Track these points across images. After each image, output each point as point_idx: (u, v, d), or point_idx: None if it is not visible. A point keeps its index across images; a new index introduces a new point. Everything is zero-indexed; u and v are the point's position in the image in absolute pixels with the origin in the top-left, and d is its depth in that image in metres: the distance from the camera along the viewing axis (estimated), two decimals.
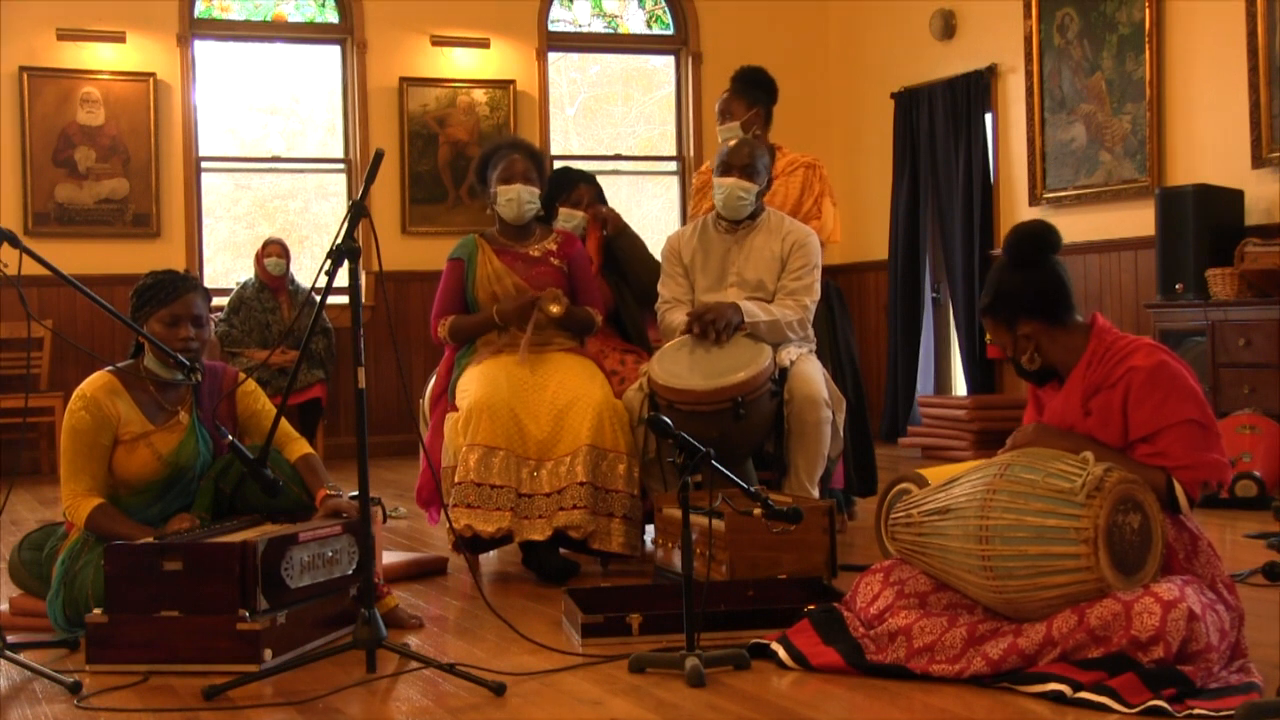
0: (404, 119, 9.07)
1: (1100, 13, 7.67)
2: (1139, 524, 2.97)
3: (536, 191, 4.70)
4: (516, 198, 4.66)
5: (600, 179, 5.40)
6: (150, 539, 3.46)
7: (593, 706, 2.95)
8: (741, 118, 5.27)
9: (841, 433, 4.69)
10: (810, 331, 4.77)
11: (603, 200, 5.27)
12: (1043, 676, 2.88)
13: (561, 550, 4.45)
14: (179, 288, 3.68)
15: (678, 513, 3.28)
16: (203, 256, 8.86)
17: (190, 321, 3.66)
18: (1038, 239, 3.20)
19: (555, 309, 4.53)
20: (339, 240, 3.19)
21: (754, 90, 5.32)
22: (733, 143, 4.82)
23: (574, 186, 5.19)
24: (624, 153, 10.00)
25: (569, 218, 5.10)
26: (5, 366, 8.12)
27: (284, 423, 3.67)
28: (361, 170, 8.92)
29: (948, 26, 8.84)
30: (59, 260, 3.62)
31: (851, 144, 9.74)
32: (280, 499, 3.65)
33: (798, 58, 9.54)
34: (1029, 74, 8.13)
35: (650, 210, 10.16)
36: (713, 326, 4.48)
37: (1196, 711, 2.71)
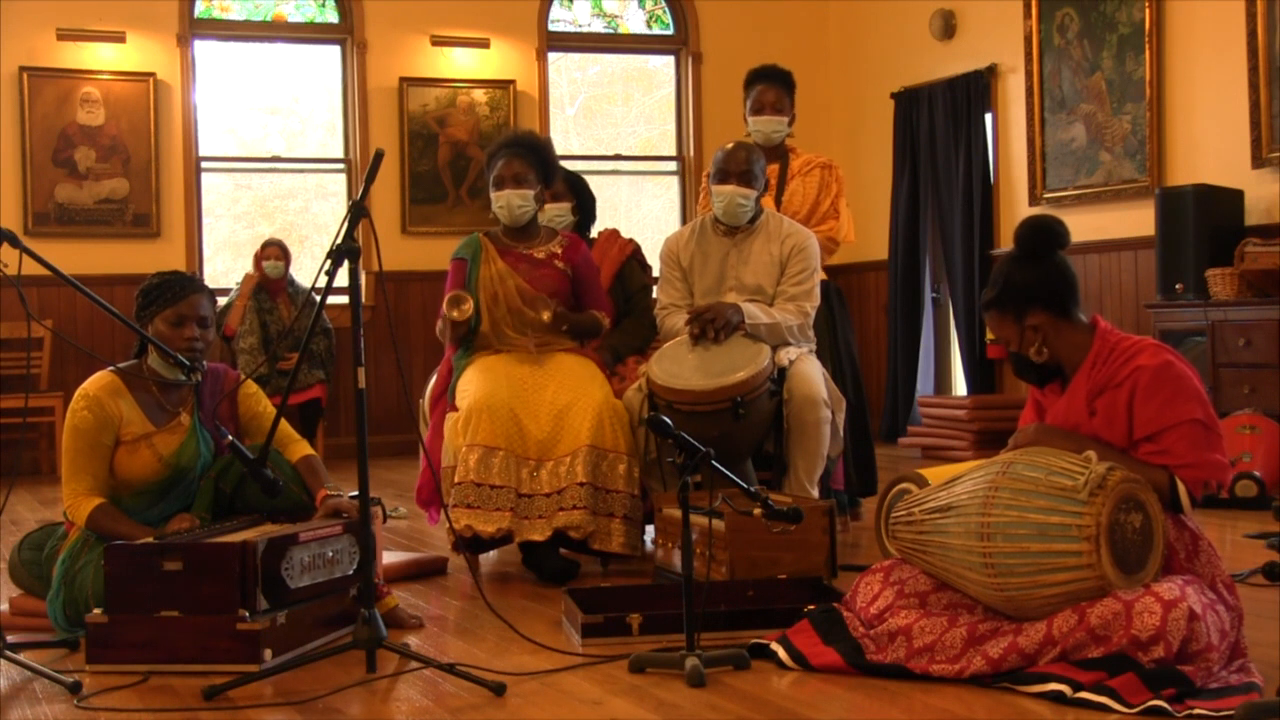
0: (404, 119, 9.07)
1: (1100, 13, 7.67)
2: (1140, 523, 2.97)
3: (529, 194, 4.66)
4: (507, 204, 4.65)
5: (600, 179, 5.37)
6: (150, 539, 3.47)
7: (593, 706, 2.95)
8: (789, 114, 5.27)
9: (841, 432, 4.68)
10: (810, 333, 4.77)
11: (582, 190, 5.20)
12: (1043, 676, 2.88)
13: (561, 550, 4.44)
14: (185, 288, 3.71)
15: (678, 513, 3.28)
16: (203, 256, 8.85)
17: (196, 322, 3.69)
18: (1048, 231, 3.21)
19: (545, 315, 4.55)
20: (339, 240, 3.20)
21: (790, 90, 5.31)
22: (729, 147, 4.77)
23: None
24: (624, 153, 9.98)
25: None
26: (5, 366, 8.11)
27: (284, 424, 3.68)
28: (361, 170, 8.91)
29: (948, 26, 8.84)
30: (59, 260, 3.63)
31: (851, 144, 9.74)
32: (280, 499, 3.66)
33: (798, 58, 9.48)
34: (1029, 74, 8.12)
35: (650, 210, 10.15)
36: (712, 325, 4.47)
37: (1196, 711, 2.71)
